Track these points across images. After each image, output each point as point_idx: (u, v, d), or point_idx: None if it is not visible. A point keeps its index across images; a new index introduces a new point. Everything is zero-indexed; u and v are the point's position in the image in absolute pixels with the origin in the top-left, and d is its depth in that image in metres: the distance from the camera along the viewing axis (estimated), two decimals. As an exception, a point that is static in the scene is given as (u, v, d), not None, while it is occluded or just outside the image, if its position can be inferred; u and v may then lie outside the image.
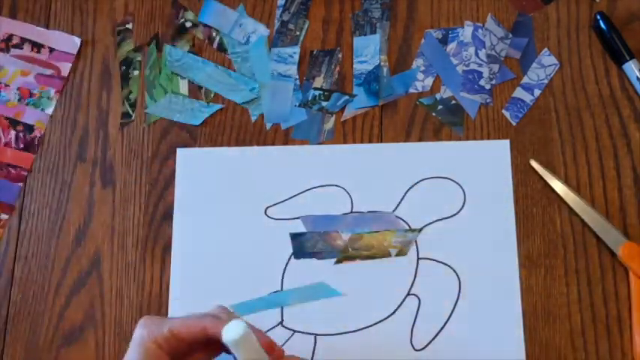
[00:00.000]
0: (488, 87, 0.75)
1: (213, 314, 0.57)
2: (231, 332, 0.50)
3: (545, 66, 0.75)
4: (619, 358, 0.67)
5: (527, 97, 0.74)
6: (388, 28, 0.78)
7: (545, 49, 0.75)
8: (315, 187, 0.73)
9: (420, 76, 0.76)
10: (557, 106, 0.74)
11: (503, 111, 0.74)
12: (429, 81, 0.76)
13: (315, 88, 0.77)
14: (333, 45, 0.78)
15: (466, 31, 0.77)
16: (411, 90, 0.76)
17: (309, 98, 0.76)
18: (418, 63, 0.77)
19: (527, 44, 0.76)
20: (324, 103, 0.76)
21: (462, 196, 0.71)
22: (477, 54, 0.76)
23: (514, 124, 0.74)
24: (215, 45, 0.80)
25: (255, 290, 0.71)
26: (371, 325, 0.69)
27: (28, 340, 0.72)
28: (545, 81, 0.74)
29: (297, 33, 0.79)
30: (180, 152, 0.76)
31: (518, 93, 0.74)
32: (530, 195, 0.71)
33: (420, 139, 0.74)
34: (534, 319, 0.68)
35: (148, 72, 0.79)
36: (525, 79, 0.75)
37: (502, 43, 0.76)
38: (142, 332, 0.57)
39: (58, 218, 0.75)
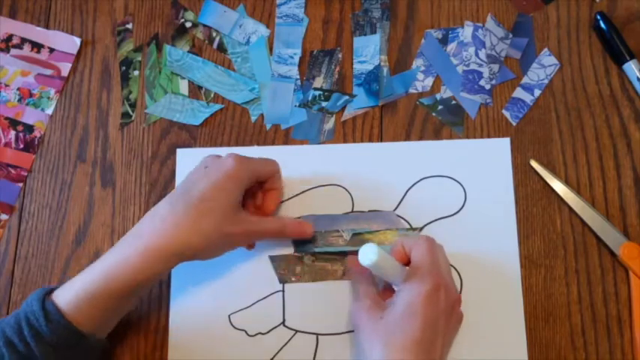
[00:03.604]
0: (488, 87, 0.75)
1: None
2: (366, 258, 0.58)
3: (545, 66, 0.75)
4: (619, 358, 0.67)
5: (528, 97, 0.74)
6: (388, 28, 0.78)
7: (545, 49, 0.76)
8: (315, 187, 0.73)
9: (420, 76, 0.76)
10: (557, 106, 0.74)
11: (503, 111, 0.74)
12: (429, 81, 0.76)
13: (315, 89, 0.77)
14: (333, 45, 0.79)
15: (466, 31, 0.77)
16: (411, 90, 0.76)
17: (309, 98, 0.77)
18: (418, 63, 0.77)
19: (527, 44, 0.76)
20: (324, 103, 0.76)
21: (462, 195, 0.72)
22: (477, 54, 0.76)
23: (514, 124, 0.74)
24: (215, 45, 0.80)
25: (256, 290, 0.71)
26: (372, 325, 0.69)
27: (28, 340, 0.71)
28: (546, 81, 0.75)
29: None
30: (180, 152, 0.76)
31: (518, 93, 0.75)
32: (530, 195, 0.71)
33: (420, 140, 0.74)
34: (534, 319, 0.68)
35: (148, 72, 0.79)
36: (525, 79, 0.75)
37: (502, 43, 0.76)
38: (241, 166, 0.65)
39: (58, 218, 0.75)
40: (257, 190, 0.70)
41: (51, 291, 0.62)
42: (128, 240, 0.62)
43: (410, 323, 0.58)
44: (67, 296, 0.60)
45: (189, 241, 0.61)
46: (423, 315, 0.58)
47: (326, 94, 0.76)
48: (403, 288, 0.61)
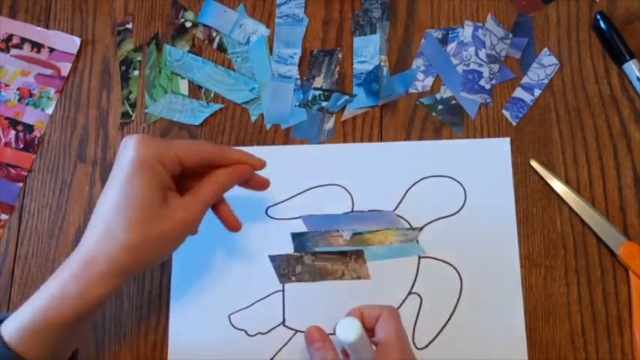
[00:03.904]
0: (488, 87, 0.75)
1: (218, 146, 0.60)
2: (346, 333, 0.54)
3: (545, 66, 0.75)
4: (619, 358, 0.67)
5: (528, 97, 0.74)
6: (388, 28, 0.78)
7: (546, 48, 0.76)
8: (315, 187, 0.73)
9: (420, 76, 0.76)
10: (557, 106, 0.74)
11: (503, 111, 0.74)
12: (429, 81, 0.76)
13: (315, 88, 0.77)
14: (333, 45, 0.79)
15: (466, 31, 0.77)
16: (411, 90, 0.76)
17: (309, 98, 0.77)
18: (418, 63, 0.77)
19: (527, 44, 0.76)
20: (324, 103, 0.76)
21: (462, 195, 0.72)
22: (477, 54, 0.76)
23: (514, 124, 0.74)
24: (215, 45, 0.80)
25: (256, 290, 0.71)
26: (372, 324, 0.69)
27: (27, 340, 0.71)
28: (546, 81, 0.75)
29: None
30: (181, 152, 0.76)
31: (518, 93, 0.75)
32: (530, 195, 0.71)
33: (420, 139, 0.74)
34: (534, 319, 0.68)
35: (148, 72, 0.79)
36: (525, 79, 0.75)
37: (502, 43, 0.76)
38: (145, 151, 0.56)
39: (58, 218, 0.75)
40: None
41: (2, 320, 0.56)
42: (66, 263, 0.56)
43: None
44: (11, 326, 0.55)
45: (114, 257, 0.55)
46: None
47: (326, 94, 0.77)
48: None
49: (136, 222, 0.55)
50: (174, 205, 0.58)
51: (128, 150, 0.57)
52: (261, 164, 0.64)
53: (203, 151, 0.60)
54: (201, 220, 0.61)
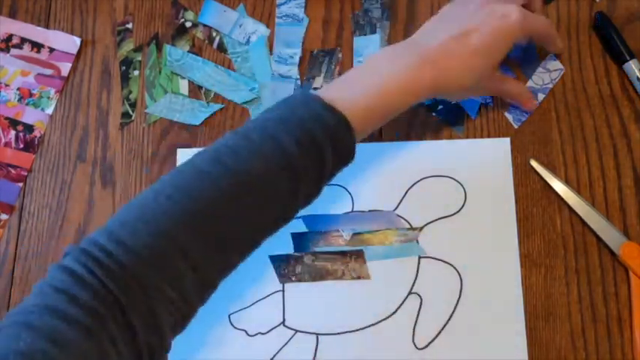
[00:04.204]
0: (488, 85, 0.75)
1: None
2: None
3: (550, 70, 0.75)
4: (619, 358, 0.67)
5: (531, 101, 0.74)
6: (388, 28, 0.78)
7: (551, 54, 0.75)
8: (315, 187, 0.73)
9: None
10: (557, 106, 0.74)
11: (506, 114, 0.74)
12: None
13: (315, 89, 0.77)
14: (333, 45, 0.78)
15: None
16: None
17: None
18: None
19: (528, 44, 0.76)
20: None
21: (462, 195, 0.71)
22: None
23: (516, 127, 0.74)
24: (215, 45, 0.80)
25: (256, 290, 0.71)
26: (373, 324, 0.69)
27: (27, 340, 0.71)
28: (550, 85, 0.74)
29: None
30: (181, 153, 0.76)
31: (522, 97, 0.75)
32: (530, 195, 0.71)
33: (420, 139, 0.74)
34: (534, 319, 0.68)
35: (148, 72, 0.79)
36: (530, 83, 0.75)
37: (502, 43, 0.76)
38: (522, 27, 0.66)
39: (58, 218, 0.75)
40: None
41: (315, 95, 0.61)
42: (409, 66, 0.63)
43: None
44: (351, 106, 0.60)
45: (459, 79, 0.65)
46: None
47: None
48: None
49: (487, 62, 0.66)
50: (498, 73, 0.70)
51: (514, 13, 0.65)
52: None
53: (552, 32, 0.72)
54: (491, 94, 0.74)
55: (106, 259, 0.50)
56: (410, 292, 0.69)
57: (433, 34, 0.66)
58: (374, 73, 0.63)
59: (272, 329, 0.69)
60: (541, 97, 0.74)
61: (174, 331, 0.54)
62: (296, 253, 0.71)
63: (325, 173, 0.60)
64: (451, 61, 0.64)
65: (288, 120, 0.58)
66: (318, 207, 0.72)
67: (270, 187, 0.57)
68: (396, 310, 0.69)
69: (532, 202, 0.71)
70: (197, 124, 0.77)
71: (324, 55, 0.78)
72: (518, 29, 0.65)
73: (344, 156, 0.61)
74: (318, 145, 0.58)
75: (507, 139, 0.73)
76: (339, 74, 0.77)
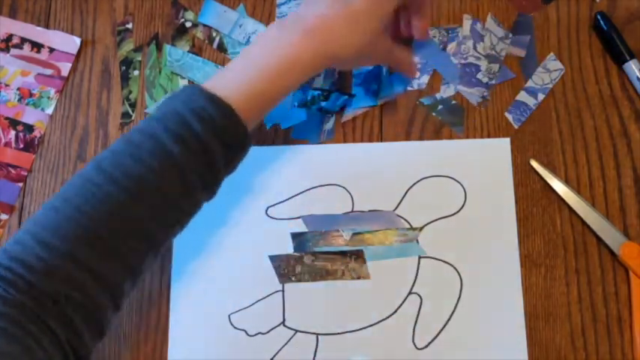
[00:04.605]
0: (485, 80, 0.75)
1: None
2: None
3: (550, 70, 0.75)
4: (619, 358, 0.67)
5: (531, 101, 0.74)
6: (388, 28, 0.78)
7: (551, 53, 0.75)
8: (315, 187, 0.73)
9: (415, 73, 0.76)
10: (557, 106, 0.74)
11: (506, 114, 0.74)
12: (425, 78, 0.76)
13: (315, 88, 0.77)
14: (333, 45, 0.78)
15: (465, 25, 0.77)
16: (409, 88, 0.76)
17: (308, 98, 0.76)
18: (414, 61, 0.77)
19: (529, 43, 0.76)
20: (323, 103, 0.76)
21: (462, 195, 0.72)
22: (474, 47, 0.76)
23: (516, 127, 0.74)
24: (215, 45, 0.80)
25: (256, 290, 0.71)
26: (373, 325, 0.69)
27: (27, 340, 0.71)
28: (550, 85, 0.74)
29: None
30: (181, 152, 0.76)
31: (522, 96, 0.74)
32: (530, 195, 0.71)
33: (420, 139, 0.74)
34: (534, 319, 0.68)
35: (148, 72, 0.79)
36: (530, 83, 0.75)
37: (502, 42, 0.76)
38: None
39: (58, 218, 0.75)
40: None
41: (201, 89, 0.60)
42: (289, 43, 0.62)
43: None
44: (234, 94, 0.59)
45: (346, 46, 0.63)
46: None
47: (325, 94, 0.76)
48: None
49: (372, 23, 0.64)
50: (386, 39, 0.68)
51: None
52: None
53: None
54: (379, 61, 0.73)
55: (10, 275, 0.52)
56: (410, 292, 0.69)
57: (314, 4, 0.64)
58: (257, 55, 0.62)
59: (272, 329, 0.69)
60: (541, 97, 0.74)
61: (92, 333, 0.55)
62: (296, 253, 0.71)
63: (217, 166, 0.59)
64: (333, 28, 0.62)
65: (169, 116, 0.57)
66: (318, 207, 0.72)
67: (154, 188, 0.56)
68: (396, 310, 0.69)
69: (532, 202, 0.71)
70: (197, 124, 0.77)
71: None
72: None
73: (235, 146, 0.60)
74: (201, 139, 0.57)
75: (507, 139, 0.73)
76: (339, 74, 0.77)
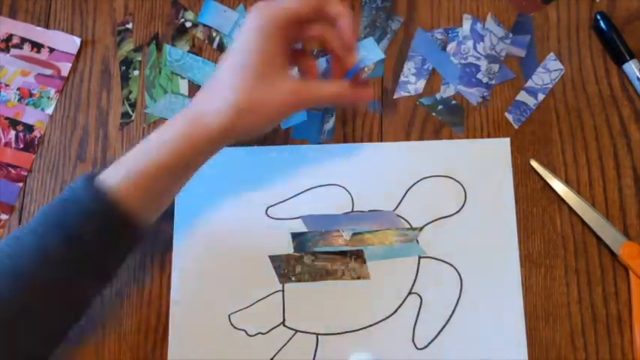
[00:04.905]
0: (485, 80, 0.75)
1: None
2: None
3: (550, 70, 0.75)
4: (619, 358, 0.67)
5: (531, 101, 0.74)
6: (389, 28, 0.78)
7: (552, 53, 0.75)
8: (315, 187, 0.73)
9: (412, 78, 0.76)
10: (557, 106, 0.74)
11: (506, 114, 0.74)
12: (422, 83, 0.76)
13: None
14: (333, 45, 0.78)
15: (464, 25, 0.77)
16: (404, 93, 0.76)
17: None
18: (409, 66, 0.77)
19: (529, 43, 0.76)
20: None
21: (462, 195, 0.72)
22: (474, 47, 0.76)
23: (516, 127, 0.74)
24: (215, 45, 0.80)
25: (256, 290, 0.71)
26: (373, 324, 0.69)
27: (27, 340, 0.71)
28: (550, 85, 0.74)
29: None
30: (181, 152, 0.76)
31: (522, 96, 0.74)
32: (530, 195, 0.71)
33: (420, 139, 0.74)
34: (534, 319, 0.68)
35: (148, 72, 0.79)
36: (530, 83, 0.75)
37: (502, 43, 0.76)
38: (261, 21, 0.58)
39: (58, 218, 0.75)
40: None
41: (96, 175, 0.59)
42: (172, 119, 0.61)
43: None
44: (113, 177, 0.58)
45: (205, 121, 0.58)
46: None
47: None
48: None
49: (243, 77, 0.58)
50: (286, 80, 0.60)
51: (250, 14, 0.59)
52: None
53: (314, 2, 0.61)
54: (301, 108, 0.64)
55: None
56: (410, 292, 0.69)
57: (201, 90, 0.63)
58: (148, 149, 0.60)
59: (272, 329, 0.69)
60: (541, 97, 0.74)
61: None
62: (296, 253, 0.71)
63: (107, 262, 0.59)
64: (211, 107, 0.59)
65: (57, 215, 0.57)
66: (318, 207, 0.72)
67: (42, 287, 0.56)
68: (396, 310, 0.69)
69: (532, 202, 0.71)
70: (197, 124, 0.77)
71: (324, 55, 0.78)
72: (257, 23, 0.58)
73: (126, 243, 0.59)
74: (85, 240, 0.57)
75: (507, 139, 0.73)
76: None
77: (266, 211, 0.73)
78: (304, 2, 0.60)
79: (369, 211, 0.72)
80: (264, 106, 0.59)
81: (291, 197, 0.73)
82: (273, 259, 0.71)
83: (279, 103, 0.60)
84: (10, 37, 0.81)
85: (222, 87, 0.59)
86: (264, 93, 0.59)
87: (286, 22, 0.59)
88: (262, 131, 0.62)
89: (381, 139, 0.75)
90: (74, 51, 0.80)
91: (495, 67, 0.76)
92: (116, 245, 0.59)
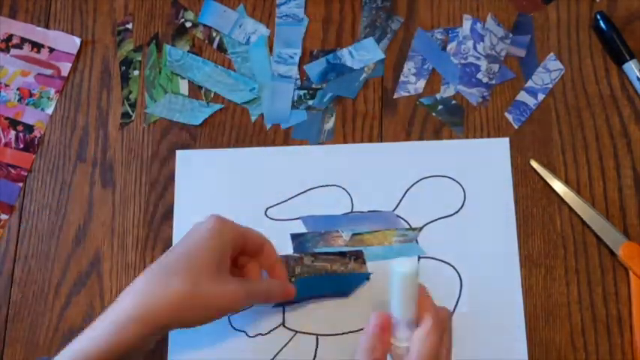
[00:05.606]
0: (485, 80, 0.75)
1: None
2: (401, 266, 0.53)
3: (550, 70, 0.75)
4: (619, 358, 0.67)
5: (531, 101, 0.74)
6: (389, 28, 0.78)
7: (552, 54, 0.75)
8: (315, 188, 0.73)
9: (412, 78, 0.76)
10: (557, 106, 0.74)
11: (506, 114, 0.74)
12: (422, 83, 0.76)
13: (300, 88, 0.77)
14: (333, 45, 0.78)
15: (465, 25, 0.77)
16: (404, 93, 0.76)
17: (295, 99, 0.77)
18: (409, 66, 0.77)
19: (529, 43, 0.76)
20: (310, 102, 0.76)
21: (462, 195, 0.71)
22: (475, 47, 0.76)
23: (516, 127, 0.73)
24: (215, 45, 0.80)
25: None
26: (372, 325, 0.69)
27: (28, 340, 0.71)
28: (550, 85, 0.74)
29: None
30: (180, 154, 0.76)
31: (522, 96, 0.74)
32: (530, 195, 0.71)
33: (420, 139, 0.74)
34: (534, 319, 0.68)
35: (148, 72, 0.79)
36: (530, 83, 0.75)
37: (502, 43, 0.76)
38: (222, 225, 0.60)
39: (58, 218, 0.75)
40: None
41: None
42: (102, 316, 0.57)
43: None
44: None
45: (156, 305, 0.56)
46: None
47: (311, 92, 0.77)
48: None
49: (189, 274, 0.57)
50: (227, 281, 0.60)
51: (210, 220, 0.61)
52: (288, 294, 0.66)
53: (264, 239, 0.65)
54: (239, 309, 0.64)
55: None
56: (410, 293, 0.69)
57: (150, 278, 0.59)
58: (92, 335, 0.57)
59: (272, 330, 0.69)
60: (541, 97, 0.74)
61: None
62: (295, 254, 0.71)
63: None
64: (147, 283, 0.58)
65: None
66: (318, 207, 0.72)
67: None
68: (396, 311, 0.69)
69: (532, 202, 0.71)
70: (197, 124, 0.77)
71: (324, 55, 0.78)
72: (216, 232, 0.60)
73: None
74: None
75: (507, 139, 0.73)
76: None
77: (265, 212, 0.73)
78: (256, 236, 0.65)
79: (369, 211, 0.72)
80: (205, 301, 0.58)
81: (291, 198, 0.73)
82: None
83: (218, 301, 0.59)
84: (10, 37, 0.81)
85: (162, 283, 0.57)
86: (207, 286, 0.58)
87: (240, 237, 0.63)
88: (194, 326, 0.60)
89: (381, 139, 0.75)
90: (74, 51, 0.80)
91: (495, 67, 0.76)
92: None
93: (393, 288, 0.55)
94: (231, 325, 0.70)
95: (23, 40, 0.81)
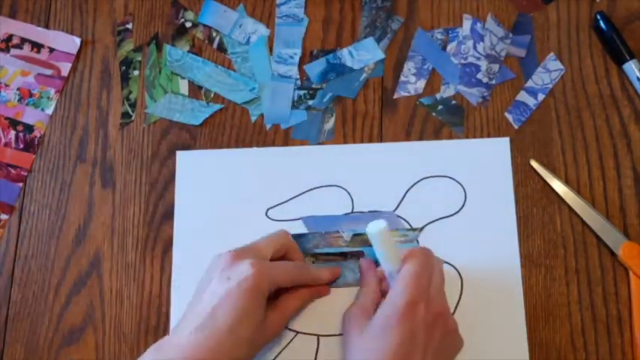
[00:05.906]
0: (485, 80, 0.75)
1: (304, 266, 0.69)
2: (372, 227, 0.60)
3: (550, 70, 0.75)
4: (619, 358, 0.67)
5: (531, 101, 0.74)
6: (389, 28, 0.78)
7: (552, 54, 0.75)
8: (315, 188, 0.73)
9: (412, 79, 0.76)
10: (557, 106, 0.74)
11: (506, 114, 0.74)
12: (422, 83, 0.76)
13: (299, 88, 0.77)
14: (333, 45, 0.78)
15: (465, 25, 0.77)
16: (404, 93, 0.76)
17: (294, 99, 0.76)
18: (409, 66, 0.77)
19: (529, 43, 0.76)
20: (310, 102, 0.76)
21: (462, 195, 0.72)
22: (475, 47, 0.76)
23: (516, 127, 0.74)
24: (215, 45, 0.80)
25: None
26: (373, 325, 0.69)
27: (28, 340, 0.71)
28: (550, 85, 0.74)
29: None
30: (180, 155, 0.76)
31: (522, 97, 0.74)
32: (530, 195, 0.71)
33: (420, 139, 0.74)
34: (534, 319, 0.68)
35: (148, 72, 0.79)
36: (530, 83, 0.75)
37: (502, 43, 0.76)
38: (260, 278, 0.61)
39: (58, 218, 0.75)
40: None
41: None
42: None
43: (385, 339, 0.58)
44: None
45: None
46: (398, 330, 0.57)
47: (311, 92, 0.77)
48: (384, 302, 0.60)
49: (247, 341, 0.60)
50: (268, 321, 0.63)
51: (249, 271, 0.61)
52: (335, 276, 0.70)
53: (298, 275, 0.67)
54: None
55: None
56: (410, 293, 0.69)
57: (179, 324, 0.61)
58: None
59: (272, 330, 0.69)
60: (541, 97, 0.74)
61: None
62: None
63: None
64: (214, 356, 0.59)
65: None
66: (318, 207, 0.72)
67: None
68: (396, 311, 0.69)
69: (532, 202, 0.71)
70: (197, 124, 0.77)
71: (324, 55, 0.78)
72: (257, 286, 0.60)
73: None
74: None
75: (507, 139, 0.73)
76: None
77: (266, 212, 0.73)
78: (291, 276, 0.66)
79: (369, 211, 0.72)
80: (257, 350, 0.62)
81: (291, 198, 0.73)
82: None
83: (265, 343, 0.64)
84: (10, 37, 0.81)
85: (226, 355, 0.59)
86: (258, 341, 0.62)
87: (274, 287, 0.63)
88: None
89: (381, 139, 0.75)
90: (74, 51, 0.80)
91: (495, 67, 0.76)
92: None
93: (376, 248, 0.62)
94: (232, 326, 0.70)
95: (23, 40, 0.81)
